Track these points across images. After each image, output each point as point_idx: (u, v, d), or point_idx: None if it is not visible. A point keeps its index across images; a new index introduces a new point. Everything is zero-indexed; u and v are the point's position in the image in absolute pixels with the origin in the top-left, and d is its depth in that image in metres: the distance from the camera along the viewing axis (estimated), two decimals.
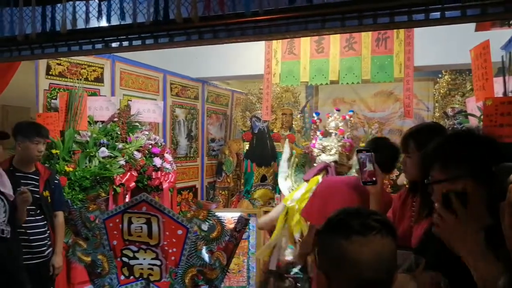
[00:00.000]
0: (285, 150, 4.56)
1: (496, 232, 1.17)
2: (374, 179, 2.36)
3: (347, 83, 5.65)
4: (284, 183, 4.23)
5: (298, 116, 6.72)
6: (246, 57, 5.81)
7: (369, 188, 2.41)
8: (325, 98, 7.26)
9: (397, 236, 1.25)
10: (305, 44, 5.56)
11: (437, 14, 2.03)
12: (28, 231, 3.45)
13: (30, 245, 3.45)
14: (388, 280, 1.22)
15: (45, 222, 3.58)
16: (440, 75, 5.94)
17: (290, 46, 5.66)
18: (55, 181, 3.67)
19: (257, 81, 6.38)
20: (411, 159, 2.19)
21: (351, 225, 1.22)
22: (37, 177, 3.57)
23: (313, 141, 4.44)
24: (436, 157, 1.46)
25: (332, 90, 7.04)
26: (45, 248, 3.57)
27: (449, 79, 5.80)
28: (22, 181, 3.41)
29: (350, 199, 2.68)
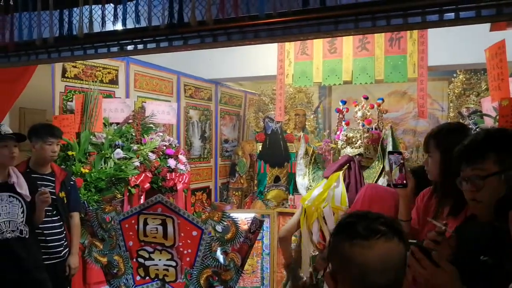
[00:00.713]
0: (302, 146, 4.39)
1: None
2: (405, 182, 2.33)
3: (361, 83, 5.65)
4: (301, 182, 4.04)
5: (311, 116, 6.72)
6: (259, 58, 5.83)
7: (399, 191, 2.37)
8: (338, 99, 7.19)
9: (405, 239, 1.25)
10: (318, 44, 5.55)
11: (451, 15, 2.02)
12: (45, 231, 3.50)
13: (47, 246, 3.50)
14: (395, 284, 1.21)
15: (61, 222, 3.63)
16: (454, 75, 5.89)
17: (303, 47, 5.66)
18: (71, 182, 3.72)
19: (270, 82, 6.39)
20: (433, 159, 2.21)
21: (356, 228, 1.23)
22: (53, 178, 3.62)
23: (338, 132, 4.15)
24: (486, 150, 1.47)
25: (345, 90, 7.02)
26: (61, 248, 3.61)
27: (464, 79, 5.75)
28: (38, 182, 3.46)
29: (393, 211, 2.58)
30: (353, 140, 3.85)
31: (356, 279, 1.19)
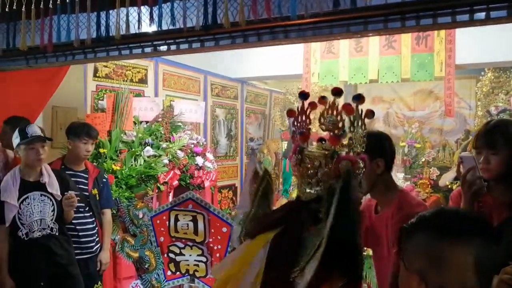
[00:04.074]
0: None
1: None
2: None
3: (387, 82, 5.64)
4: None
5: None
6: (285, 57, 5.86)
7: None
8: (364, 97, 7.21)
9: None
10: (344, 43, 5.56)
11: (481, 15, 2.02)
12: (77, 227, 3.58)
13: (79, 241, 3.59)
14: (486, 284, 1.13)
15: (94, 219, 3.70)
16: (482, 73, 5.82)
17: (329, 45, 5.67)
18: (103, 180, 3.80)
19: (296, 81, 6.41)
20: (499, 156, 2.01)
21: (455, 226, 1.14)
22: (86, 175, 3.70)
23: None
24: None
25: (371, 89, 6.99)
26: (93, 244, 3.70)
27: (492, 77, 5.67)
28: (72, 179, 3.55)
29: None
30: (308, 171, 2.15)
31: (455, 280, 1.10)
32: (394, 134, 6.85)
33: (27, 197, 3.21)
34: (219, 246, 2.79)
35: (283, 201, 6.17)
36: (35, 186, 3.26)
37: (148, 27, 2.45)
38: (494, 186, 2.07)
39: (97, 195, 3.72)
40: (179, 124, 4.86)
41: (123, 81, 4.71)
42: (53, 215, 3.28)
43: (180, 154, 4.59)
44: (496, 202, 2.06)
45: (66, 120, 4.60)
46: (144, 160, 4.31)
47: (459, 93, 6.30)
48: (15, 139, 3.21)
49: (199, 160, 4.76)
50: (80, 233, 3.60)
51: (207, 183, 4.84)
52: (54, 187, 3.29)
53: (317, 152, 1.45)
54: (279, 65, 6.10)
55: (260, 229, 1.49)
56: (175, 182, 4.54)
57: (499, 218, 1.94)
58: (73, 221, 3.51)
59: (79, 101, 4.60)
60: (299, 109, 1.48)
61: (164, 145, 4.52)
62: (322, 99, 1.46)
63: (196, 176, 4.72)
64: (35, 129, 3.21)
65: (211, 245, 2.81)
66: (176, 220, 2.87)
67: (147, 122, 4.69)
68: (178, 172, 4.56)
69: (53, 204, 3.28)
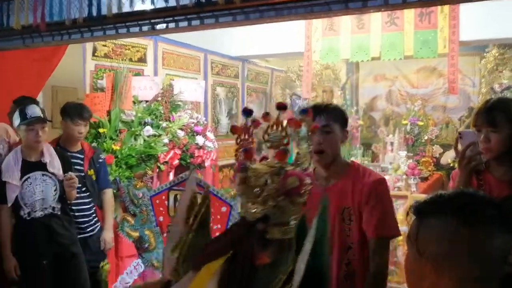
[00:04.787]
0: None
1: None
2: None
3: (389, 60, 5.58)
4: None
5: (339, 93, 6.67)
6: (286, 35, 5.78)
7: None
8: (366, 75, 7.16)
9: None
10: (345, 20, 5.48)
11: None
12: (73, 207, 3.55)
13: (76, 221, 3.57)
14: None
15: (91, 199, 3.68)
16: (486, 50, 5.75)
17: (330, 23, 5.60)
18: (99, 160, 3.76)
19: (297, 59, 6.35)
20: (499, 134, 1.97)
21: (480, 212, 1.06)
22: (82, 156, 3.67)
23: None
24: None
25: (373, 66, 6.93)
26: (90, 224, 3.68)
27: (497, 54, 5.61)
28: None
29: None
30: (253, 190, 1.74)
31: (471, 268, 1.04)
32: (396, 111, 6.83)
33: (29, 177, 3.22)
34: (219, 226, 2.79)
35: None
36: (37, 166, 3.26)
37: (142, 5, 2.40)
38: (494, 164, 2.06)
39: (93, 175, 3.70)
40: (179, 103, 4.82)
41: (122, 60, 4.66)
42: (55, 195, 3.29)
43: (180, 133, 4.57)
44: (496, 180, 2.05)
45: (66, 100, 4.56)
46: (144, 140, 4.29)
47: (463, 70, 6.23)
48: (16, 120, 3.19)
49: (200, 139, 4.74)
50: (76, 213, 3.58)
51: (207, 163, 4.83)
52: (55, 167, 3.29)
53: (262, 169, 1.38)
54: (280, 43, 6.03)
55: (204, 258, 1.38)
56: (176, 162, 4.53)
57: (499, 197, 1.93)
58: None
59: (78, 81, 4.56)
60: (243, 126, 1.41)
61: (164, 124, 4.50)
62: (266, 115, 1.43)
63: (196, 155, 4.71)
64: (34, 110, 3.18)
65: (210, 224, 2.80)
66: (175, 200, 2.87)
67: (146, 101, 4.65)
68: (178, 151, 4.54)
69: (55, 184, 3.29)
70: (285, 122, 1.42)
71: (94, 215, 3.74)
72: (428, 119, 6.24)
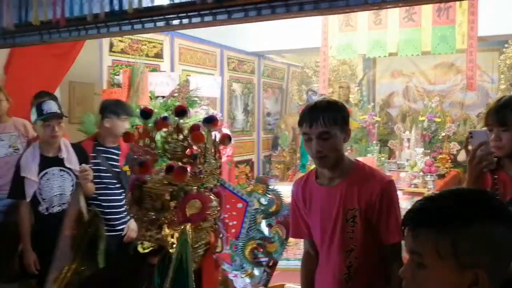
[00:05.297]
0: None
1: None
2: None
3: (406, 55, 5.52)
4: None
5: (355, 89, 6.62)
6: (302, 30, 5.76)
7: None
8: (383, 71, 7.10)
9: None
10: (362, 15, 5.44)
11: None
12: (103, 203, 3.45)
13: (104, 218, 3.47)
14: None
15: (124, 196, 3.54)
16: (506, 45, 5.65)
17: (347, 18, 5.56)
18: (135, 156, 3.70)
19: (313, 54, 6.32)
20: (511, 133, 1.93)
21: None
22: (118, 152, 3.59)
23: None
24: None
25: (390, 62, 6.86)
26: (120, 222, 3.57)
27: None
28: (102, 155, 3.49)
29: None
30: (148, 214, 1.72)
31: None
32: (413, 108, 6.75)
33: (47, 173, 3.23)
34: (234, 222, 2.78)
35: (299, 175, 6.16)
36: (54, 162, 3.25)
37: (159, 0, 2.41)
38: (508, 163, 2.02)
39: (128, 171, 3.65)
40: (195, 99, 4.83)
41: (139, 55, 4.69)
42: (73, 190, 3.28)
43: None
44: (510, 178, 2.02)
45: (83, 95, 4.62)
46: (161, 135, 4.30)
47: (481, 66, 6.14)
48: (32, 115, 3.21)
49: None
50: (106, 210, 3.43)
51: (223, 158, 4.83)
52: (72, 162, 3.29)
53: (160, 188, 1.15)
54: (296, 38, 6.01)
55: None
56: None
57: None
58: (101, 197, 3.43)
59: (95, 76, 4.60)
60: (139, 132, 1.25)
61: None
62: (164, 120, 1.24)
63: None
64: (50, 105, 3.18)
65: (227, 220, 2.80)
66: None
67: (163, 97, 4.67)
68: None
69: (72, 179, 3.28)
70: (186, 130, 1.21)
71: (126, 213, 3.56)
72: (445, 116, 6.17)
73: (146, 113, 1.10)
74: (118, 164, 3.56)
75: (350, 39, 5.58)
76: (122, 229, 3.56)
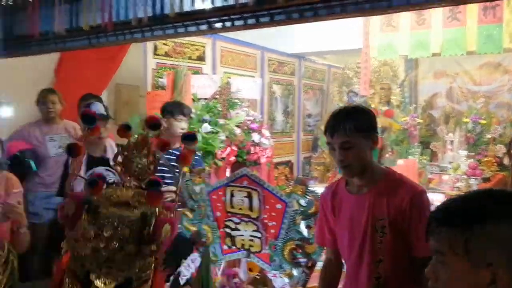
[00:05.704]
0: None
1: None
2: None
3: (450, 55, 5.41)
4: None
5: (397, 90, 6.53)
6: (343, 31, 5.73)
7: None
8: (426, 71, 6.95)
9: None
10: (405, 16, 5.37)
11: None
12: None
13: None
14: None
15: None
16: None
17: (389, 19, 5.50)
18: (195, 157, 3.83)
19: (354, 55, 6.28)
20: None
21: None
22: (178, 153, 3.73)
23: None
24: None
25: (433, 62, 6.72)
26: None
27: None
28: (166, 156, 3.63)
29: None
30: (108, 248, 1.52)
31: None
32: (457, 109, 6.59)
33: (93, 172, 3.36)
34: (274, 223, 2.81)
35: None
36: (100, 161, 3.39)
37: (202, 4, 2.46)
38: None
39: (188, 172, 3.74)
40: (236, 101, 4.89)
41: (182, 58, 4.79)
42: None
43: (237, 130, 4.63)
44: None
45: (129, 97, 4.76)
46: (202, 137, 4.38)
47: None
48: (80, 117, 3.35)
49: (256, 136, 4.79)
50: None
51: (263, 160, 4.88)
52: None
53: (124, 214, 0.91)
54: (337, 39, 5.99)
55: None
56: (232, 158, 4.60)
57: None
58: None
59: (140, 79, 4.73)
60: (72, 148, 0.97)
61: (221, 121, 4.58)
62: (124, 130, 1.04)
63: (252, 152, 4.76)
64: (97, 107, 3.32)
65: (266, 221, 2.83)
66: (232, 195, 2.91)
67: (205, 99, 4.75)
68: (235, 148, 4.61)
69: (117, 179, 3.41)
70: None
71: None
72: (491, 117, 5.99)
73: (89, 118, 0.96)
74: (177, 165, 3.65)
75: (392, 39, 5.52)
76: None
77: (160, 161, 3.52)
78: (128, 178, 1.01)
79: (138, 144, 0.95)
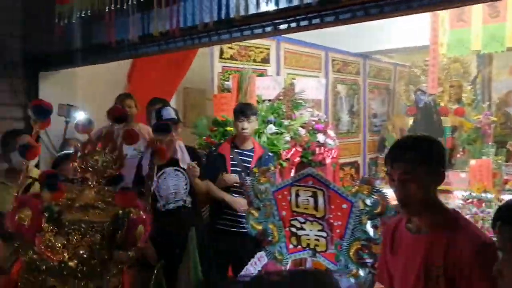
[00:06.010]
0: None
1: None
2: None
3: None
4: None
5: (468, 88, 6.27)
6: (410, 28, 5.59)
7: None
8: (501, 67, 6.64)
9: None
10: (477, 9, 5.16)
11: None
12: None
13: (233, 214, 3.72)
14: None
15: None
16: None
17: (459, 13, 5.31)
18: (266, 157, 3.91)
19: (422, 53, 6.10)
20: None
21: None
22: (251, 154, 3.85)
23: None
24: None
25: (509, 57, 6.40)
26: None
27: None
28: (239, 157, 3.78)
29: None
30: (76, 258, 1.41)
31: None
32: None
33: (164, 172, 3.52)
34: (339, 222, 2.80)
35: None
36: (170, 162, 3.50)
37: (266, 6, 2.50)
38: None
39: (256, 172, 3.82)
40: (300, 101, 4.90)
41: (247, 61, 4.87)
42: (186, 188, 3.56)
43: (302, 131, 4.64)
44: None
45: (196, 101, 4.91)
46: (267, 138, 4.43)
47: None
48: (153, 121, 3.52)
49: (321, 137, 4.77)
50: (234, 211, 3.71)
51: (328, 160, 4.85)
52: (186, 163, 3.56)
53: (93, 219, 0.82)
54: (403, 37, 5.85)
55: None
56: (297, 159, 4.61)
57: None
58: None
59: (206, 82, 4.86)
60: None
61: (286, 122, 4.61)
62: (86, 126, 0.93)
63: (317, 153, 4.75)
64: (169, 111, 3.48)
65: (331, 220, 2.83)
66: (297, 195, 2.93)
67: (269, 100, 4.80)
68: (299, 149, 4.62)
69: (186, 179, 3.56)
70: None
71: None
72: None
73: (42, 109, 0.90)
74: (250, 165, 3.75)
75: (462, 35, 5.32)
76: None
77: (234, 162, 3.65)
78: (89, 176, 0.96)
79: (102, 139, 0.91)
